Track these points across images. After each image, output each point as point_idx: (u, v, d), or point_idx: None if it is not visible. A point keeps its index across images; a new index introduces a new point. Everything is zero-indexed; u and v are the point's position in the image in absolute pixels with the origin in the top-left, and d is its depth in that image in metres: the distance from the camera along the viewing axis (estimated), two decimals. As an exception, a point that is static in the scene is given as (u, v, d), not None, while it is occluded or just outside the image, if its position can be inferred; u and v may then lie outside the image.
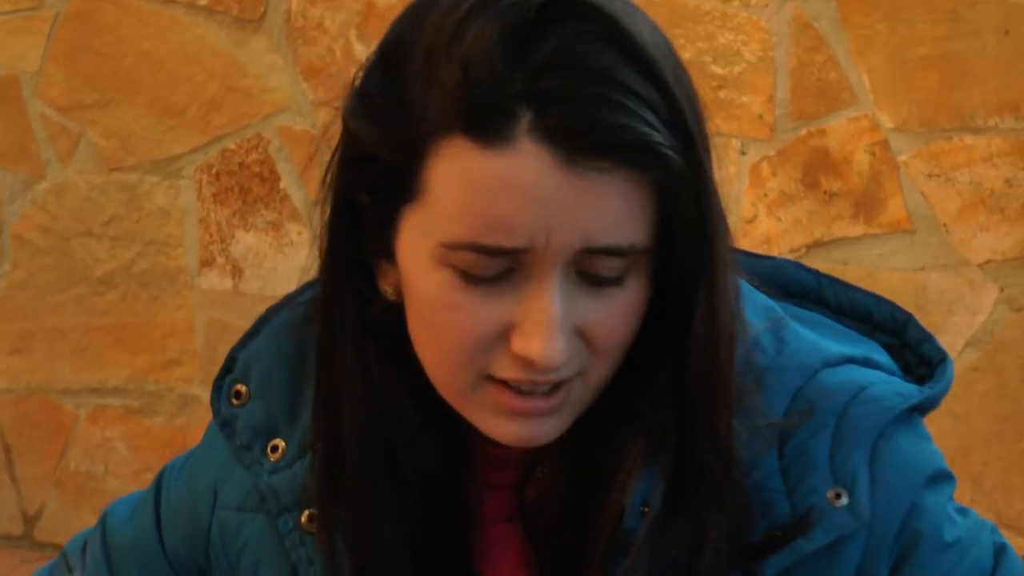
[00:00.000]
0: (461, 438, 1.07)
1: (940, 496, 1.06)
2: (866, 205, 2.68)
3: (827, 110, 2.67)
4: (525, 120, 0.91)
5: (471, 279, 0.95)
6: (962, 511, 1.08)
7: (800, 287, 1.15)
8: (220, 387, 1.16)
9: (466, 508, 1.09)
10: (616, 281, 0.97)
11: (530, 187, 0.92)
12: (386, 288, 1.03)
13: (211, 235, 3.16)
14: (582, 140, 0.92)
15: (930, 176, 2.66)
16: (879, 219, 2.68)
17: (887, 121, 2.66)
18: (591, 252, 0.94)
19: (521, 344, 0.96)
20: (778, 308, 1.10)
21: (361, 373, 1.04)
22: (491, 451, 1.06)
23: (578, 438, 1.04)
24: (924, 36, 2.58)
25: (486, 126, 0.92)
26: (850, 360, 1.08)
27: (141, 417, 3.28)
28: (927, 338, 1.13)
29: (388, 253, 1.00)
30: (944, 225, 2.66)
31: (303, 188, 3.07)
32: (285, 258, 3.10)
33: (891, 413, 1.04)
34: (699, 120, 0.97)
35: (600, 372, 1.00)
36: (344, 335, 1.04)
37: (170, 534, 1.21)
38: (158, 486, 1.23)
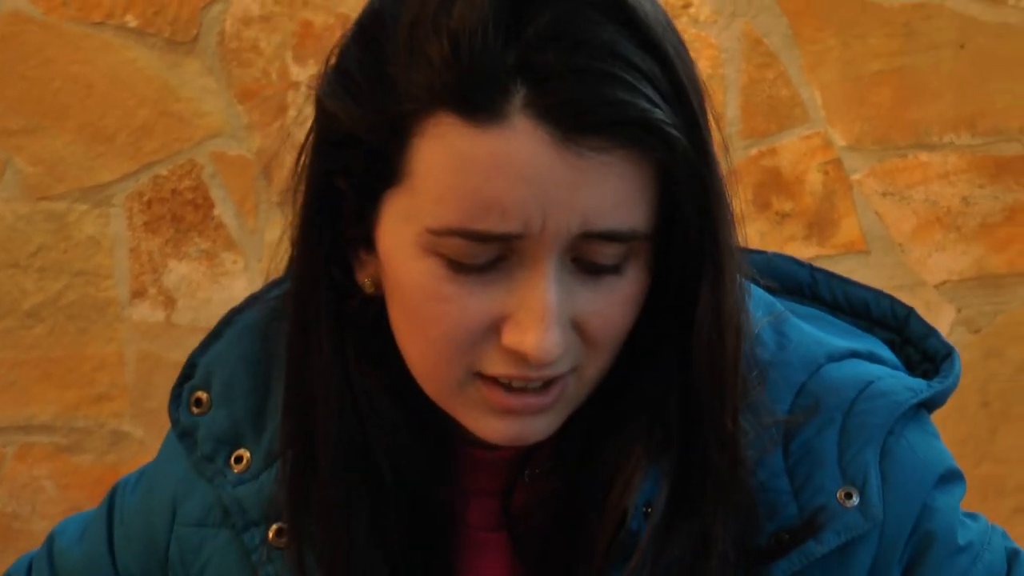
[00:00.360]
0: (445, 440, 1.01)
1: (951, 497, 1.03)
2: (819, 225, 2.65)
3: (778, 128, 2.64)
4: (519, 96, 0.88)
5: (460, 268, 0.91)
6: (972, 516, 1.05)
7: (794, 282, 1.12)
8: (179, 395, 1.11)
9: (448, 516, 1.03)
10: (614, 269, 0.92)
11: (524, 167, 0.88)
12: (364, 280, 0.98)
13: (142, 265, 3.07)
14: (580, 117, 0.88)
15: (884, 195, 2.64)
16: (833, 240, 2.65)
17: (840, 139, 2.63)
18: (589, 237, 0.90)
19: (514, 337, 0.91)
20: (777, 303, 1.05)
21: (337, 372, 0.99)
22: (477, 454, 1.01)
23: (571, 437, 0.99)
24: (878, 51, 2.56)
25: (477, 102, 0.88)
26: (854, 354, 1.05)
27: (70, 455, 3.17)
28: (930, 332, 1.10)
29: (367, 242, 0.96)
30: (899, 245, 2.64)
31: (238, 215, 2.99)
32: (220, 288, 3.02)
33: (900, 408, 1.01)
34: (702, 98, 0.93)
35: (595, 367, 0.96)
36: (319, 331, 0.99)
37: (123, 553, 1.15)
38: (111, 503, 1.17)
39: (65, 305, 3.11)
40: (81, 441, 3.15)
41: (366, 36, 0.93)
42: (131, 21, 2.96)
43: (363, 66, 0.92)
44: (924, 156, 2.61)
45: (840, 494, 0.98)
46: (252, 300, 1.11)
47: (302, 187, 0.97)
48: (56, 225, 3.09)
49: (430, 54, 0.88)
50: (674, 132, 0.89)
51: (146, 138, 3.00)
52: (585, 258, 0.91)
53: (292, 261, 1.00)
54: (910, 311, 1.11)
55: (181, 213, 3.03)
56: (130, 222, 3.06)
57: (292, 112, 2.89)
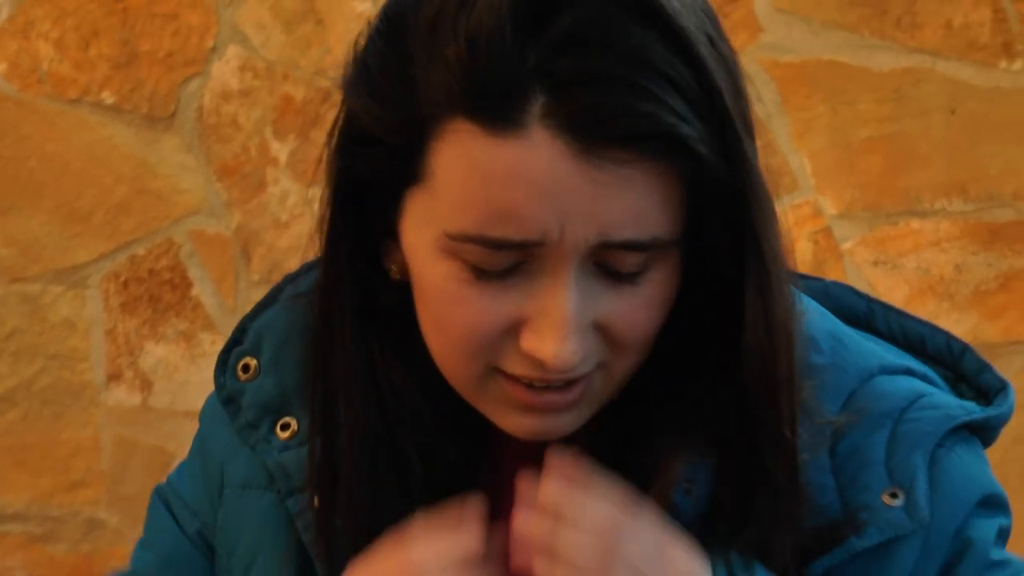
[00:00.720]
0: (477, 434, 1.00)
1: (991, 523, 1.01)
2: (810, 296, 2.62)
3: (768, 197, 2.62)
4: (538, 104, 0.85)
5: (480, 273, 0.90)
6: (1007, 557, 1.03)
7: (851, 311, 1.11)
8: (225, 360, 1.10)
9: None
10: (637, 275, 0.91)
11: (542, 178, 0.86)
12: (391, 266, 0.96)
13: (118, 347, 3.03)
14: (601, 128, 0.85)
15: (876, 263, 2.61)
16: (824, 310, 2.61)
17: (830, 207, 2.61)
18: (608, 246, 0.88)
19: (532, 343, 0.90)
20: (832, 317, 1.05)
21: (361, 363, 0.98)
22: (507, 450, 1.00)
23: (611, 434, 0.98)
24: (867, 116, 2.54)
25: (494, 110, 0.86)
26: (909, 372, 1.05)
27: (43, 544, 3.12)
28: (985, 368, 1.09)
29: (392, 234, 0.95)
30: (893, 314, 2.60)
31: (217, 295, 2.95)
32: (198, 370, 2.98)
33: (953, 421, 1.01)
34: (739, 98, 0.89)
35: (623, 365, 0.94)
36: (343, 322, 0.98)
37: (190, 525, 1.14)
38: (159, 499, 1.16)
39: (39, 389, 3.07)
40: (55, 530, 3.08)
41: (389, 28, 0.91)
42: (108, 98, 2.93)
43: (384, 63, 0.90)
44: (916, 223, 2.59)
45: (885, 495, 0.97)
46: (307, 268, 1.09)
47: (328, 178, 0.96)
48: (30, 307, 3.05)
49: (447, 56, 0.86)
50: (702, 148, 0.86)
51: (123, 217, 2.96)
52: (606, 263, 0.89)
53: (320, 252, 0.99)
54: (966, 347, 1.09)
55: (158, 293, 2.99)
56: (106, 303, 3.02)
57: (272, 188, 2.86)
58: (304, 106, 2.80)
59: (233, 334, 1.11)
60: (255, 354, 1.09)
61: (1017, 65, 2.56)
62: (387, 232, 0.95)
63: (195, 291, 2.95)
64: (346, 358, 0.99)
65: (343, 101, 0.93)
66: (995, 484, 1.02)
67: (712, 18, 0.90)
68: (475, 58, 0.85)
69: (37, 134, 2.98)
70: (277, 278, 1.19)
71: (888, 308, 1.11)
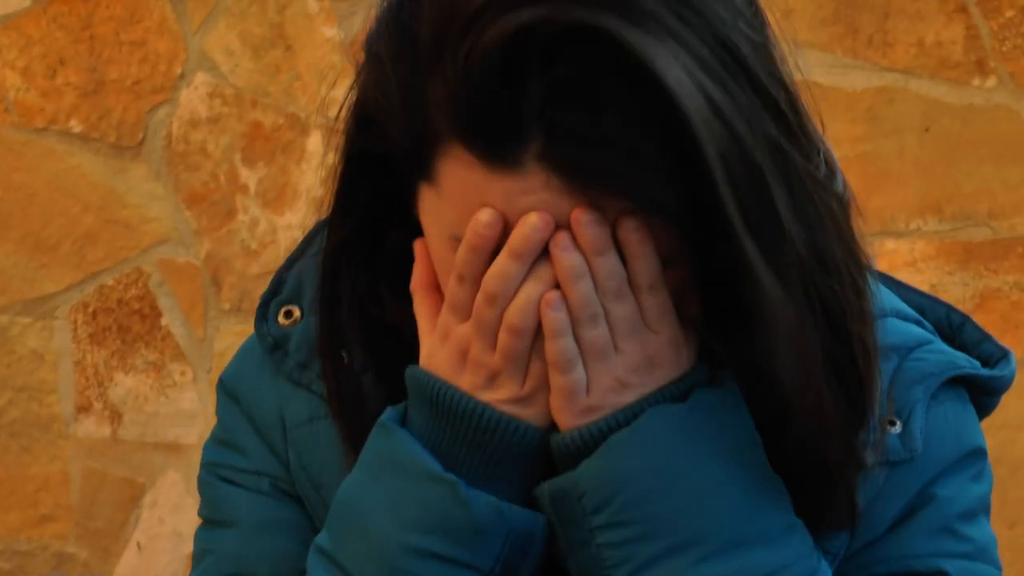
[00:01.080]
0: None
1: (965, 488, 1.06)
2: (786, 318, 2.61)
3: (741, 219, 2.61)
4: (535, 145, 0.88)
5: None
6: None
7: None
8: (265, 312, 1.13)
9: None
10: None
11: (538, 206, 0.91)
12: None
13: (87, 379, 3.00)
14: (595, 181, 0.89)
15: (852, 285, 2.59)
16: (800, 332, 2.60)
17: (804, 228, 2.58)
18: None
19: None
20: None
21: (369, 311, 1.04)
22: None
23: None
24: (840, 137, 2.53)
25: (491, 146, 0.89)
26: (919, 324, 1.09)
27: (12, 579, 3.08)
28: (985, 338, 1.12)
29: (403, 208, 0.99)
30: (869, 336, 2.59)
31: (186, 324, 2.93)
32: (168, 401, 2.96)
33: (957, 370, 1.05)
34: (742, 145, 0.89)
35: None
36: (353, 265, 1.03)
37: (259, 484, 1.15)
38: (215, 478, 1.16)
39: (7, 423, 3.04)
40: (24, 565, 3.06)
41: (400, 13, 0.92)
42: (75, 126, 2.91)
43: (393, 58, 0.92)
44: (891, 244, 2.59)
45: (883, 421, 1.00)
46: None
47: (342, 142, 0.98)
48: (-2, 339, 3.05)
49: (448, 79, 0.88)
50: (687, 222, 0.90)
51: (91, 247, 2.94)
52: None
53: (330, 214, 1.02)
54: (966, 319, 1.12)
55: (127, 324, 2.96)
56: (74, 334, 3.00)
57: (242, 216, 2.84)
58: (273, 133, 2.78)
59: (270, 286, 1.13)
60: (296, 301, 1.12)
61: (990, 83, 2.55)
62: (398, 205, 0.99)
63: (164, 321, 2.93)
64: (355, 301, 1.04)
65: (360, 68, 0.95)
66: (979, 438, 1.07)
67: (731, 43, 0.90)
68: (473, 92, 0.87)
69: (3, 164, 2.96)
70: (248, 307, 1.17)
71: (889, 279, 1.13)
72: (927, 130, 2.54)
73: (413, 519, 0.99)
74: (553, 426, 0.97)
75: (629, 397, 0.95)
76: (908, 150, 2.55)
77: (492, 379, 0.97)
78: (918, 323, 1.08)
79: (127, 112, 2.89)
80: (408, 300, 1.01)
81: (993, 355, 1.10)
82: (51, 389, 3.00)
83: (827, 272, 0.94)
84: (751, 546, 0.96)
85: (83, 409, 2.98)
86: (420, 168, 0.94)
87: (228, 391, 1.15)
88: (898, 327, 1.06)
